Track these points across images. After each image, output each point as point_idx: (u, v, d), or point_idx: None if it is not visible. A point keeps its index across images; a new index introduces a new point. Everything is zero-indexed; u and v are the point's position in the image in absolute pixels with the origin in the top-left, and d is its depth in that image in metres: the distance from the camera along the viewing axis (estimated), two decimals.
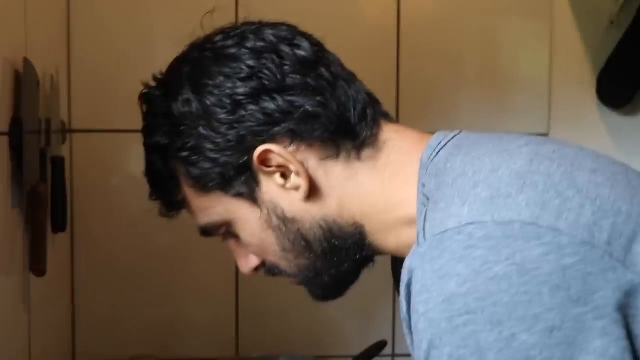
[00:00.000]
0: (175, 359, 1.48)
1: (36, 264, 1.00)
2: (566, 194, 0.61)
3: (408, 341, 0.67)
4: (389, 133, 0.76)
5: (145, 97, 0.80)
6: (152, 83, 0.80)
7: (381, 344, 1.26)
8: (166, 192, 0.80)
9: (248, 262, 0.82)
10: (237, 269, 1.50)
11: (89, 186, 1.45)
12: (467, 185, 0.64)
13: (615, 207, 0.61)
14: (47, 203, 1.06)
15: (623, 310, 0.58)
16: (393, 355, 1.52)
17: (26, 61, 0.98)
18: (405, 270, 0.64)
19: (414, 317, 0.62)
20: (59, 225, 1.17)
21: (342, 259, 0.77)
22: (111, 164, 1.47)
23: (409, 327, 0.64)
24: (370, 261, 0.81)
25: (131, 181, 1.45)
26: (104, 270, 1.46)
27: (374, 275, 1.49)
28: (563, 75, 1.51)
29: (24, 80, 0.97)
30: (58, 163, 1.17)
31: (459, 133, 0.74)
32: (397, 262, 0.85)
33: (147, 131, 0.79)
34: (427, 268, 0.61)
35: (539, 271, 0.58)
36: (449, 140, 0.72)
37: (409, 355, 0.67)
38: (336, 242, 0.76)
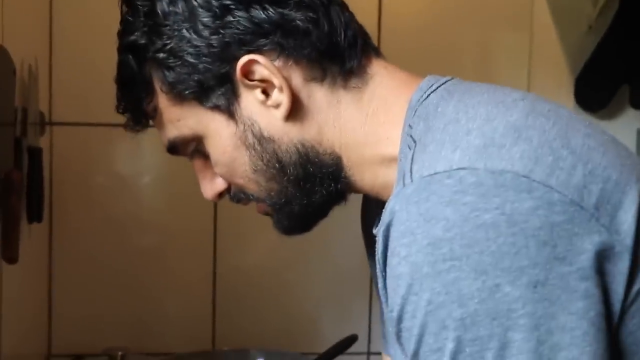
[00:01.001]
0: (151, 352, 1.48)
1: (8, 251, 1.01)
2: (560, 152, 0.60)
3: (380, 285, 0.65)
4: (378, 68, 0.74)
5: None
6: None
7: (352, 339, 1.25)
8: (136, 100, 0.75)
9: (213, 186, 0.78)
10: (215, 265, 1.53)
11: (70, 179, 1.45)
12: (460, 131, 0.62)
13: (605, 173, 0.60)
14: (21, 191, 1.06)
15: (603, 274, 0.58)
16: (368, 353, 1.52)
17: (1, 48, 0.98)
18: (387, 212, 0.62)
19: (393, 260, 0.60)
20: (35, 215, 1.17)
21: (315, 189, 0.74)
22: (92, 157, 1.47)
23: (383, 271, 0.63)
24: (342, 199, 0.77)
25: (112, 175, 1.45)
26: (82, 263, 1.46)
27: (350, 272, 1.50)
28: (541, 80, 1.52)
29: None
30: (35, 154, 1.18)
31: (451, 79, 0.72)
32: (367, 204, 0.84)
33: (125, 31, 0.75)
34: (413, 210, 0.59)
35: (527, 224, 0.57)
36: (440, 85, 0.70)
37: None
38: (311, 169, 0.73)
